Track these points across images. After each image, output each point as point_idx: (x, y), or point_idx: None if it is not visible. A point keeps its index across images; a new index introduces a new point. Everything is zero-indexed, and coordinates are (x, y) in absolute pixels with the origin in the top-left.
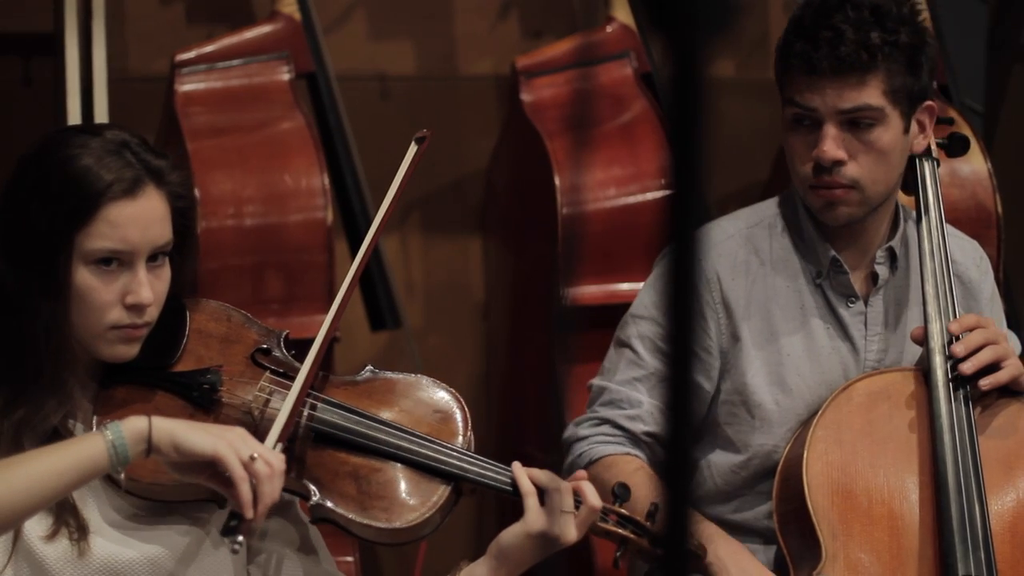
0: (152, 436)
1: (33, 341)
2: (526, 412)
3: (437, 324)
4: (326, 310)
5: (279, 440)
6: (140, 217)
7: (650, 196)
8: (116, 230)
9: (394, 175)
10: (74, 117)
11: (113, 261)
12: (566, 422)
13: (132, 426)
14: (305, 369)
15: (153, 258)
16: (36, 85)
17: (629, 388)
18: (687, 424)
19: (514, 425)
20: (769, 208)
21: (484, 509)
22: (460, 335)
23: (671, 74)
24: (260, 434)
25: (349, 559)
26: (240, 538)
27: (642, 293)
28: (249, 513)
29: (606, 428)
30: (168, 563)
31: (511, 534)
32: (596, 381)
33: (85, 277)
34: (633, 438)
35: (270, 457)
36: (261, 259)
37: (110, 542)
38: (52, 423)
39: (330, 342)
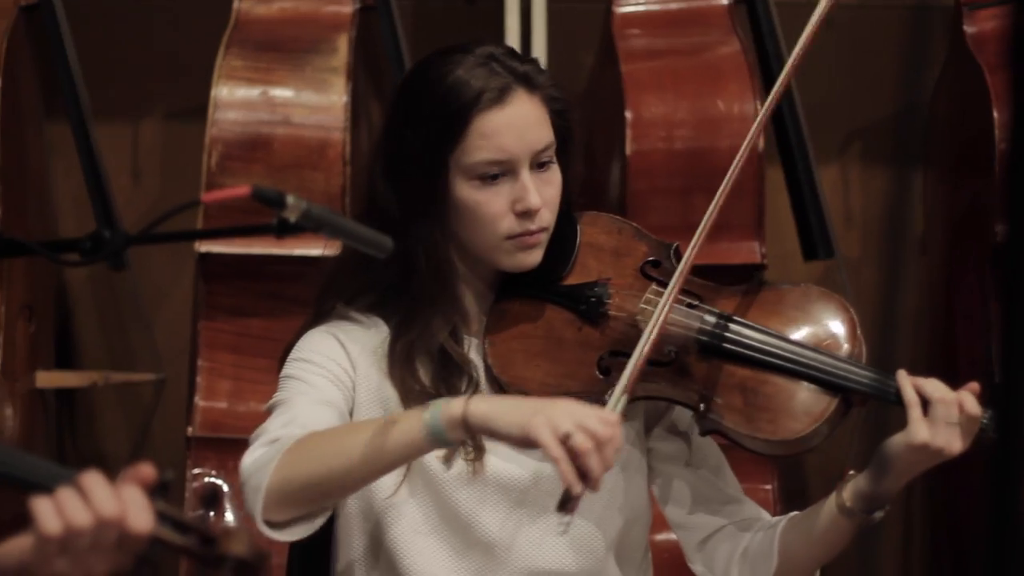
0: (467, 421)
1: (419, 264)
2: (956, 352)
3: (872, 256)
4: (755, 237)
5: (624, 393)
6: (513, 123)
7: None
8: (490, 140)
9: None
10: (512, 36)
11: (497, 174)
12: (995, 366)
13: (449, 410)
14: (666, 298)
15: (539, 165)
16: (480, 3)
17: None
18: None
19: (942, 366)
20: None
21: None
22: (895, 269)
23: None
24: None
25: (767, 487)
26: (567, 518)
27: None
28: (576, 489)
29: None
30: (555, 479)
31: (894, 444)
32: None
33: (470, 192)
34: None
35: (595, 427)
36: (690, 183)
37: (501, 459)
38: (439, 342)
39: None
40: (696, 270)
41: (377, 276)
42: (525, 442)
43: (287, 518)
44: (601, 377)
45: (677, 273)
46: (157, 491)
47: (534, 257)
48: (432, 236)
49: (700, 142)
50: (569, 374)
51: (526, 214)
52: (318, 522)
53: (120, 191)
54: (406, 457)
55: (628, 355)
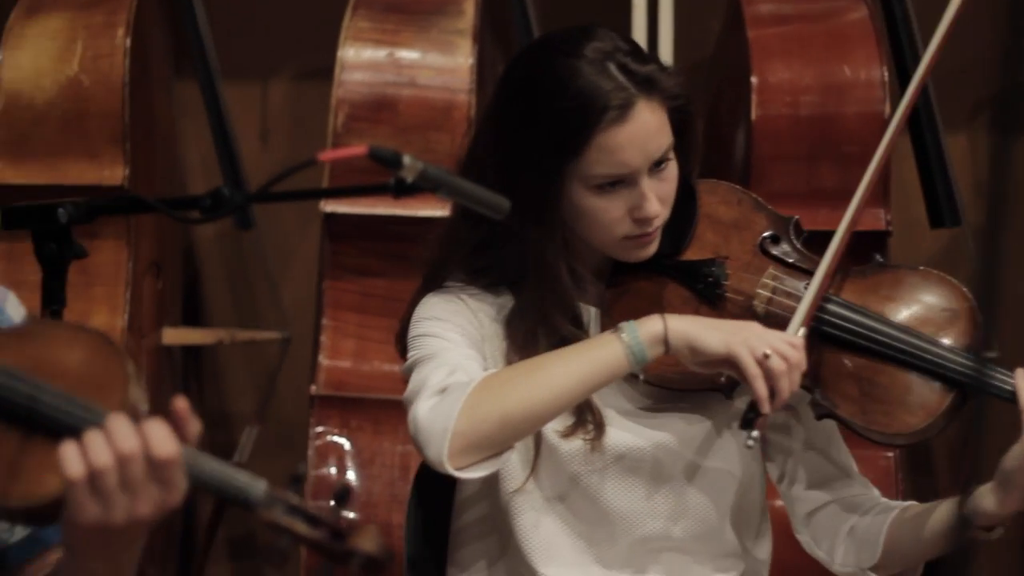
0: (668, 337)
1: (531, 260)
2: None
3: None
4: (880, 204)
5: (802, 325)
6: (635, 138)
7: None
8: (612, 156)
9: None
10: (639, 3)
11: (616, 183)
12: None
13: (648, 328)
14: (826, 260)
15: (656, 164)
16: None
17: None
18: None
19: None
20: None
21: None
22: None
23: None
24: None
25: (889, 455)
26: (755, 433)
27: None
28: (765, 408)
29: None
30: (675, 450)
31: (1012, 456)
32: None
33: (587, 199)
34: None
35: (787, 351)
36: (815, 150)
37: (620, 431)
38: (558, 331)
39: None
40: (817, 242)
41: (489, 258)
42: (724, 360)
43: (473, 460)
44: None
45: (830, 253)
46: (290, 484)
47: (650, 250)
48: (544, 236)
49: (826, 108)
50: None
51: (643, 220)
52: (504, 458)
53: (248, 152)
54: (606, 381)
55: None
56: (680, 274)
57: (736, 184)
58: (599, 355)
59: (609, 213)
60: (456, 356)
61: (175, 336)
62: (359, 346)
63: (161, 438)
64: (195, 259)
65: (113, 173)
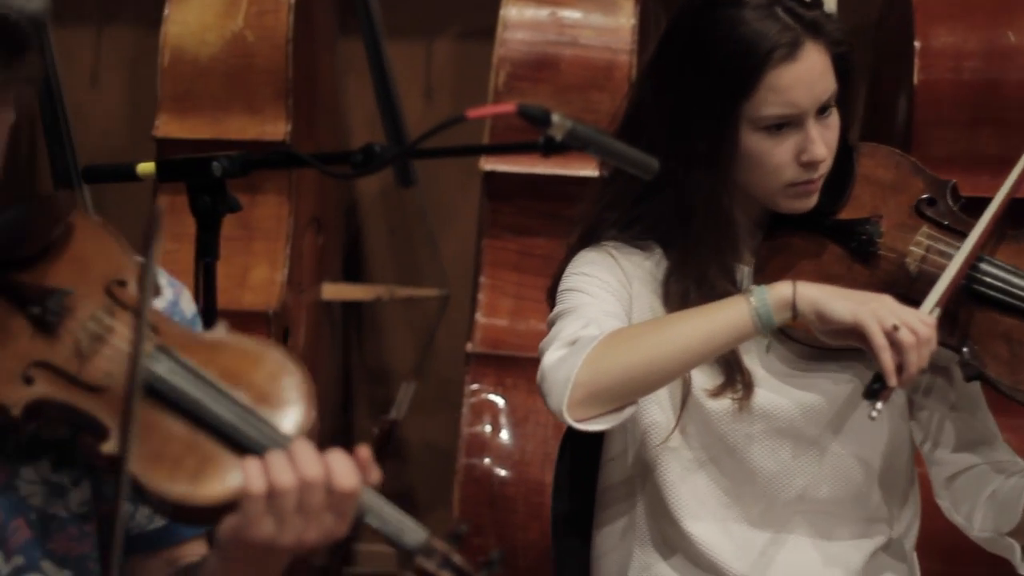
0: (796, 303)
1: (698, 211)
2: None
3: None
4: None
5: (937, 305)
6: (803, 78)
7: None
8: (781, 95)
9: None
10: None
11: (783, 124)
12: None
13: (777, 293)
14: (977, 231)
15: (821, 111)
16: None
17: None
18: None
19: None
20: None
21: None
22: None
23: None
24: (914, 290)
25: None
26: (879, 404)
27: None
28: (892, 381)
29: None
30: (823, 411)
31: None
32: None
33: (755, 142)
34: None
35: (917, 325)
36: (978, 115)
37: (768, 391)
38: (714, 286)
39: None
40: (976, 207)
41: (647, 208)
42: (851, 329)
43: (593, 413)
44: None
45: (982, 224)
46: (449, 539)
47: (812, 201)
48: (713, 185)
49: (989, 74)
50: None
51: (810, 164)
52: (625, 414)
53: (412, 109)
54: (731, 343)
55: (896, 295)
56: (835, 233)
57: (896, 148)
58: (726, 316)
59: (776, 157)
60: (595, 311)
61: (334, 291)
62: (516, 305)
63: (345, 471)
64: (357, 216)
65: (275, 128)
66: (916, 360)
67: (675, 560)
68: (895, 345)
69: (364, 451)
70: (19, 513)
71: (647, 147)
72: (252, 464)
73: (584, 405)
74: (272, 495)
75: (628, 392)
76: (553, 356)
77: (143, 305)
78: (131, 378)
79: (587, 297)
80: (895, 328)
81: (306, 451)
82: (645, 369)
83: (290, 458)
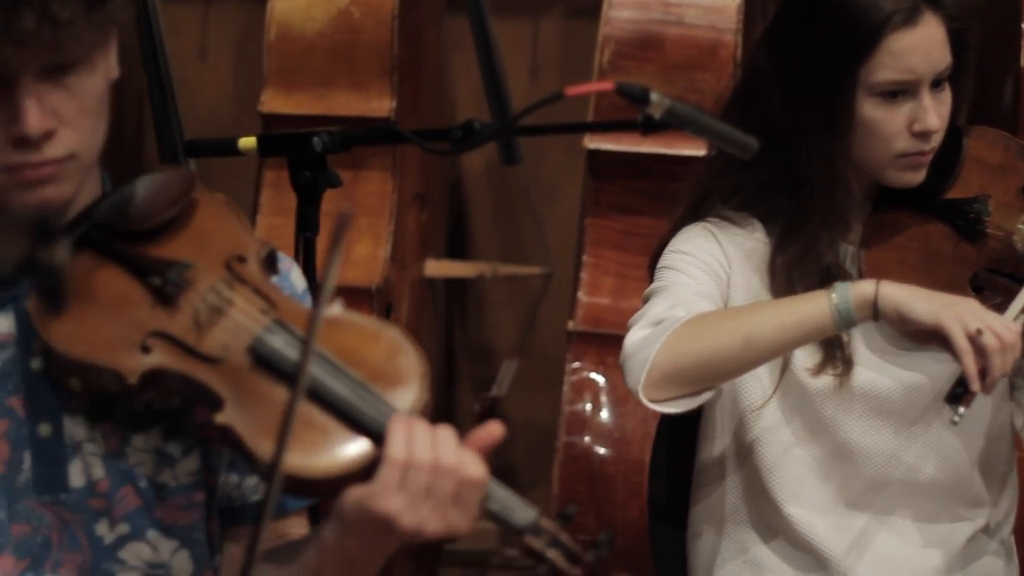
0: (878, 303)
1: (810, 177)
2: None
3: None
4: None
5: (1023, 312)
6: (921, 45)
7: None
8: (899, 60)
9: None
10: None
11: (898, 92)
12: None
13: (859, 291)
14: None
15: (935, 83)
16: None
17: None
18: None
19: None
20: None
21: None
22: None
23: None
24: (1021, 269)
25: None
26: (962, 409)
27: None
28: (975, 386)
29: None
30: (924, 391)
31: None
32: None
33: (870, 109)
34: None
35: (1001, 330)
36: None
37: (870, 370)
38: (824, 262)
39: None
40: None
41: (754, 176)
42: (933, 332)
43: (669, 395)
44: (973, 294)
45: None
46: (559, 519)
47: (920, 175)
48: (830, 152)
49: None
50: (942, 288)
51: (923, 134)
52: (701, 398)
53: (517, 88)
54: (809, 338)
55: (1003, 274)
56: (943, 211)
57: (1004, 132)
58: (805, 310)
59: (890, 125)
60: (686, 292)
61: (438, 268)
62: (618, 284)
63: (475, 462)
64: (462, 193)
65: (380, 105)
66: (1000, 365)
67: (774, 543)
68: (978, 349)
69: (496, 428)
70: (128, 481)
71: (761, 114)
72: (398, 430)
73: (660, 386)
74: (409, 466)
75: (704, 377)
76: (637, 335)
77: (318, 311)
78: (296, 386)
79: (682, 276)
80: (979, 332)
81: (447, 438)
82: (720, 356)
83: (432, 437)
